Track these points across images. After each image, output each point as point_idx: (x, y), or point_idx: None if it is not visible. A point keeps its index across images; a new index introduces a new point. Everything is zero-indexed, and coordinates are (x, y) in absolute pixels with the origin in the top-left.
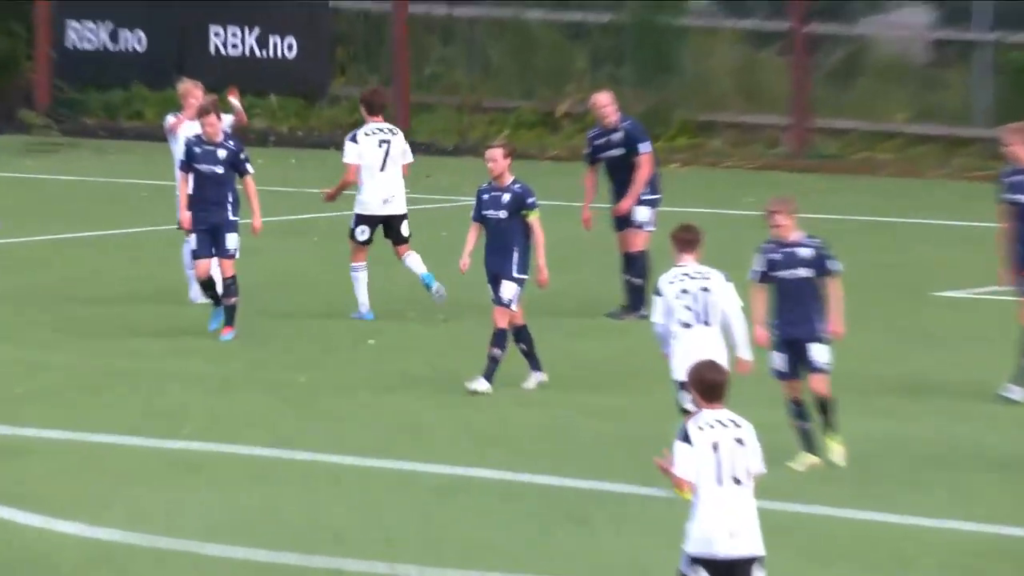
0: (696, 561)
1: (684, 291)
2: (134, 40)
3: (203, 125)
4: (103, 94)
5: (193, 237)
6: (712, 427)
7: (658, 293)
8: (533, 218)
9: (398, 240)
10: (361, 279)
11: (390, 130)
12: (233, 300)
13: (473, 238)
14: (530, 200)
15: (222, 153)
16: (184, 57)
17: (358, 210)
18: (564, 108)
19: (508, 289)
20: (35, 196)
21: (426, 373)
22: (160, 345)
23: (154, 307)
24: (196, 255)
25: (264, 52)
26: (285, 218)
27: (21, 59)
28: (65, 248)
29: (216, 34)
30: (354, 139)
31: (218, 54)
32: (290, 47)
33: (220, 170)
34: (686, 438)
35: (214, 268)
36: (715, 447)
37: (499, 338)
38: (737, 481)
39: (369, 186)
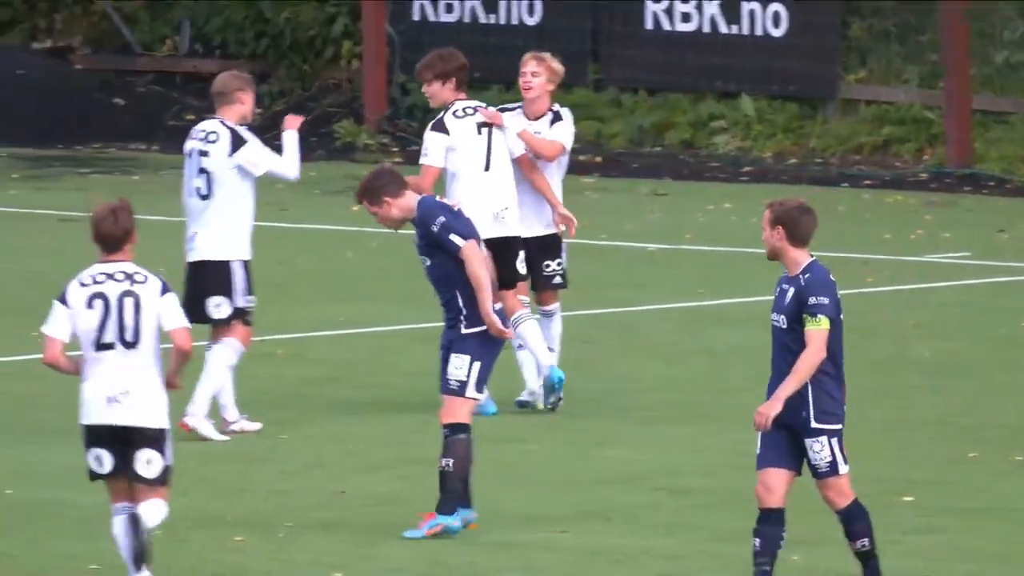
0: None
1: None
2: (521, 9)
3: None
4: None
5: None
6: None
7: None
8: (812, 329)
9: (510, 280)
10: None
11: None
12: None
13: None
14: (812, 300)
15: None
16: (604, 35)
17: None
18: None
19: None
20: (362, 273)
21: None
22: None
23: None
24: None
25: (735, 27)
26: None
27: (340, 40)
28: None
29: None
30: (441, 126)
31: (658, 29)
32: (775, 19)
33: (427, 260)
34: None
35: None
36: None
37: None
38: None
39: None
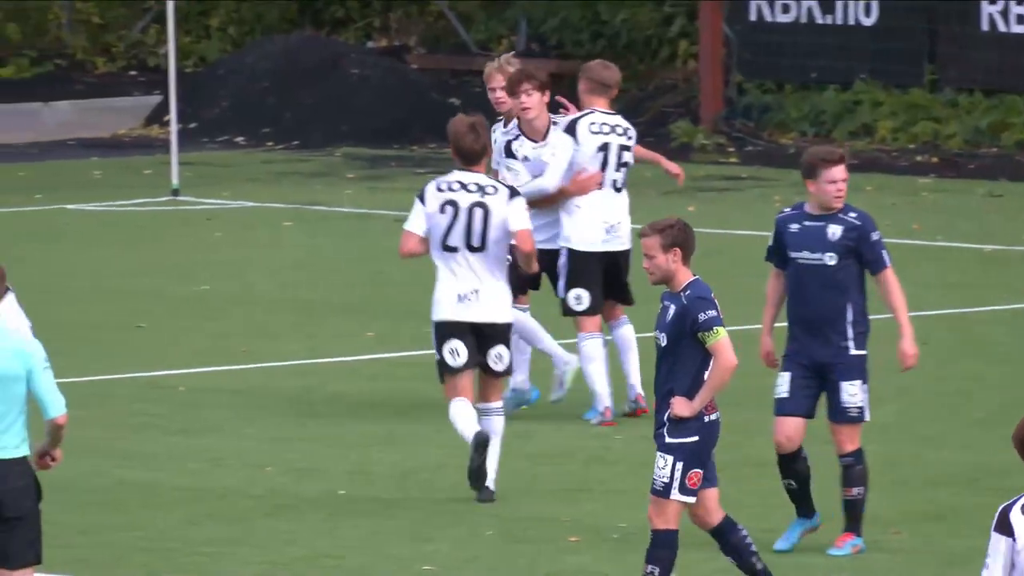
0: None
1: None
2: (858, 9)
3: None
4: (806, 95)
5: (784, 379)
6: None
7: None
8: (713, 342)
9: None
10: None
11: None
12: (855, 492)
13: None
14: (702, 317)
15: (835, 231)
16: (940, 36)
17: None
18: None
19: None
20: (698, 272)
21: None
22: None
23: None
24: (781, 409)
25: None
26: None
27: (676, 40)
28: None
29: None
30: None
31: (994, 30)
32: None
33: (832, 260)
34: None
35: None
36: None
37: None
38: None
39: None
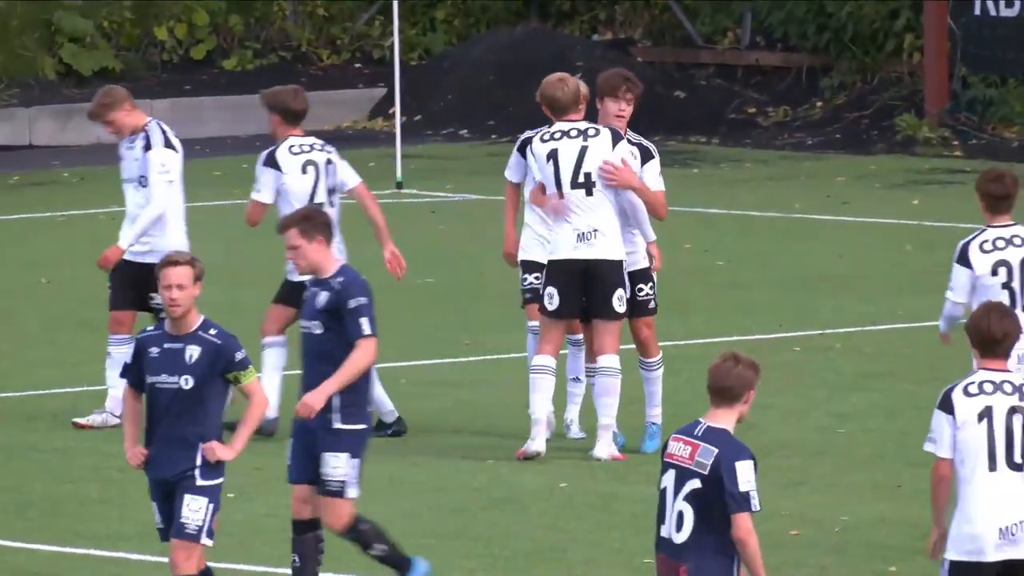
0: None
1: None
2: None
3: None
4: None
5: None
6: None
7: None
8: (249, 382)
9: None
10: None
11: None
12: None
13: None
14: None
15: (322, 298)
16: None
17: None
18: None
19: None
20: (921, 267)
21: None
22: None
23: None
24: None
25: None
26: None
27: (902, 34)
28: None
29: None
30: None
31: None
32: None
33: (319, 328)
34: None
35: None
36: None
37: None
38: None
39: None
